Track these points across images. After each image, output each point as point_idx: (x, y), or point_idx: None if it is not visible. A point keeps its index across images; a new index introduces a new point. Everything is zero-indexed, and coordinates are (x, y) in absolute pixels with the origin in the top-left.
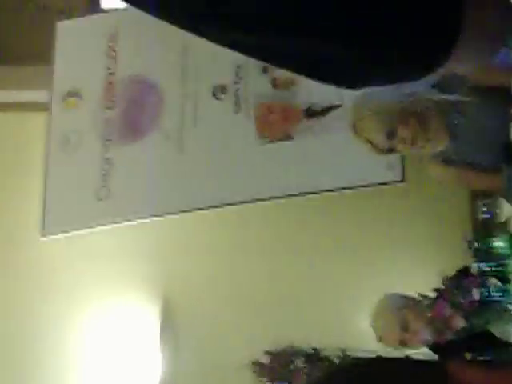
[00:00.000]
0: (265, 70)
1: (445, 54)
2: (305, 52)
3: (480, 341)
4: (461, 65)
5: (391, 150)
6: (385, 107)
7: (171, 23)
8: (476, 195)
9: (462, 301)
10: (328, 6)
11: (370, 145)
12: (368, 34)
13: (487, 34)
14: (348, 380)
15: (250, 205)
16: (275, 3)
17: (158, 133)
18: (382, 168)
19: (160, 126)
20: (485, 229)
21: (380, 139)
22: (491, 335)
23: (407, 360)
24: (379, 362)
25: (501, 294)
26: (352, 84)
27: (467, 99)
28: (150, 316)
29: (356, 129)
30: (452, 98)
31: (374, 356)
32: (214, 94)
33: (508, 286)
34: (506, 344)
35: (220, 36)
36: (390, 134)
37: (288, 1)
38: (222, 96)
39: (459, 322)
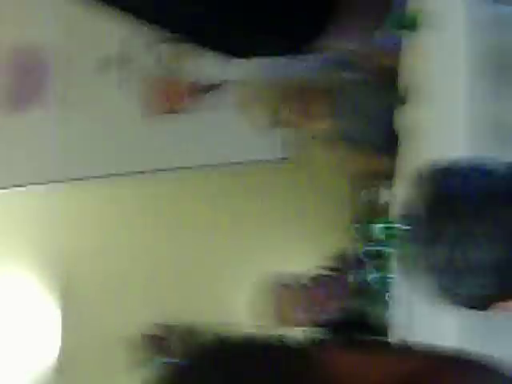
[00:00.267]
0: (150, 45)
1: (323, 28)
2: (195, 21)
3: (355, 324)
4: (341, 43)
5: (274, 123)
6: (269, 85)
7: None
8: (359, 177)
9: (338, 284)
10: None
11: (252, 117)
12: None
13: (363, 12)
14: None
15: (139, 177)
16: None
17: (41, 104)
18: (267, 145)
19: (43, 98)
20: (364, 212)
21: (262, 111)
22: (366, 318)
23: (270, 344)
24: (238, 345)
25: (377, 277)
26: (236, 53)
27: (354, 79)
28: (49, 292)
29: (240, 102)
30: (346, 75)
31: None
32: (103, 66)
33: (384, 270)
34: (380, 327)
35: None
36: (273, 108)
37: None
38: (112, 68)
39: (335, 304)
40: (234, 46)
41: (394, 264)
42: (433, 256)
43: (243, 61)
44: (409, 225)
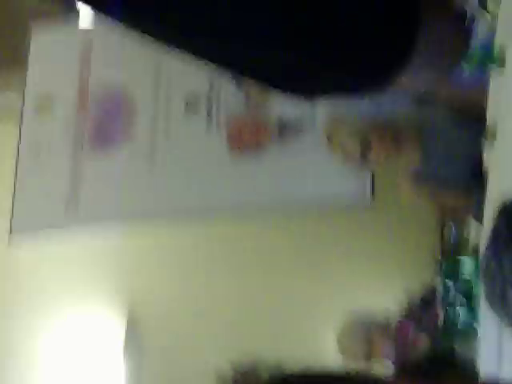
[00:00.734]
0: (239, 83)
1: (398, 67)
2: (258, 63)
3: (443, 361)
4: (419, 80)
5: (364, 160)
6: (360, 121)
7: (140, 31)
8: (445, 213)
9: (428, 320)
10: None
11: (343, 154)
12: (320, 45)
13: (442, 48)
14: None
15: (217, 219)
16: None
17: (130, 144)
18: (352, 185)
19: (132, 138)
20: (452, 248)
21: (354, 148)
22: (454, 355)
23: (348, 376)
24: (317, 376)
25: (466, 314)
26: (307, 94)
27: (441, 117)
28: (114, 327)
29: (330, 138)
30: (428, 113)
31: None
32: (186, 107)
33: (473, 306)
34: (468, 365)
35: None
36: (365, 145)
37: (224, 11)
38: (195, 109)
39: (424, 342)
40: (302, 87)
41: (481, 300)
42: (507, 290)
43: (331, 101)
44: (492, 256)
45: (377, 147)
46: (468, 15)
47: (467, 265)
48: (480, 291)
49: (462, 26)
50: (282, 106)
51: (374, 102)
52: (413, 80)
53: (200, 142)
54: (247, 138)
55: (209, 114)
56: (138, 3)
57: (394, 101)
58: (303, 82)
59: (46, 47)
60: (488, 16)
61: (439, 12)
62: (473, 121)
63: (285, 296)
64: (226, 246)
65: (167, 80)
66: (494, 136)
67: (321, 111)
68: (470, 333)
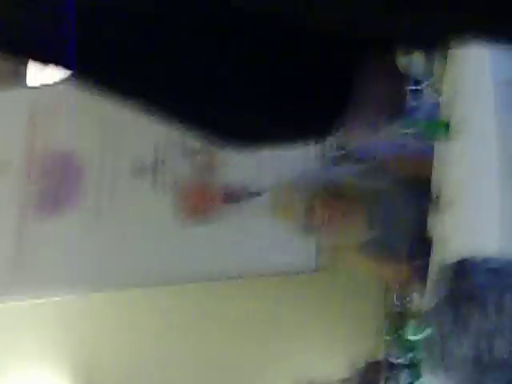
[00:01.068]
0: (185, 150)
1: (332, 121)
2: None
3: None
4: (353, 136)
5: (310, 228)
6: (305, 186)
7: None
8: (389, 280)
9: None
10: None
11: (287, 220)
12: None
13: (376, 105)
14: None
15: (168, 285)
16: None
17: (76, 209)
18: (297, 252)
19: (78, 203)
20: (397, 314)
21: (298, 213)
22: None
23: None
24: None
25: (410, 380)
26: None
27: (389, 188)
28: None
29: (275, 204)
30: (378, 184)
31: None
32: (139, 172)
33: (418, 376)
34: None
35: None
36: (309, 209)
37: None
38: (148, 174)
39: None
40: (244, 136)
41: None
42: (458, 350)
43: (277, 167)
44: (434, 320)
45: (321, 213)
46: (412, 78)
47: (411, 331)
48: (428, 362)
49: (398, 87)
50: (229, 170)
51: (321, 168)
52: (350, 134)
53: (146, 209)
54: (195, 206)
55: (156, 179)
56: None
57: (341, 168)
58: (250, 133)
59: None
60: (434, 81)
61: (375, 74)
62: (419, 191)
63: (234, 360)
64: (177, 312)
65: (114, 144)
66: (437, 206)
67: (268, 176)
68: None
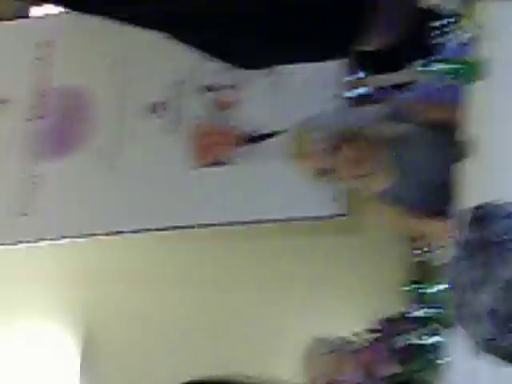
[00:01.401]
0: (207, 89)
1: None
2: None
3: None
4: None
5: (333, 172)
6: (325, 128)
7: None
8: (414, 237)
9: (397, 346)
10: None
11: (309, 164)
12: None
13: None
14: None
15: (177, 231)
16: None
17: (89, 148)
18: (318, 201)
19: (91, 142)
20: (422, 273)
21: (318, 157)
22: (423, 382)
23: None
24: None
25: (429, 341)
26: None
27: (412, 133)
28: (69, 344)
29: (293, 147)
30: (400, 129)
31: None
32: (150, 111)
33: (437, 333)
34: None
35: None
36: (335, 148)
37: None
38: (159, 114)
39: (392, 368)
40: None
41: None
42: (476, 301)
43: (295, 107)
44: (452, 270)
45: (341, 156)
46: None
47: (431, 284)
48: (449, 316)
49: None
50: (248, 115)
51: (341, 109)
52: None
53: (162, 149)
54: (208, 149)
55: (174, 119)
56: None
57: (362, 109)
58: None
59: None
60: (463, 19)
61: None
62: (444, 138)
63: (244, 314)
64: (187, 261)
65: (131, 82)
66: (463, 155)
67: (285, 117)
68: (432, 361)
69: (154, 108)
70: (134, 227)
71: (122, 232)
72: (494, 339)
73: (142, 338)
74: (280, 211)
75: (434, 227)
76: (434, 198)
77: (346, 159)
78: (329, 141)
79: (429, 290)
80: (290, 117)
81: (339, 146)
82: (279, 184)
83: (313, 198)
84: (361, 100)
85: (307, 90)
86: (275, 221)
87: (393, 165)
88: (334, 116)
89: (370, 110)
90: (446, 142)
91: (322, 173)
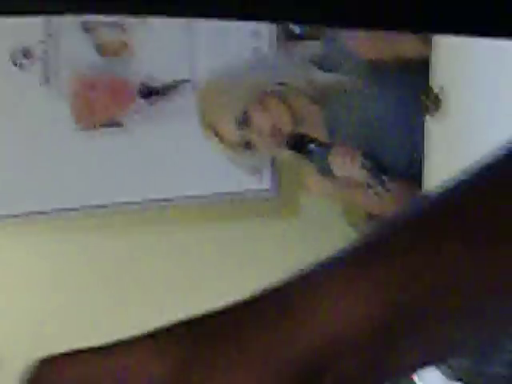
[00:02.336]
0: (86, 29)
1: None
2: None
3: None
4: None
5: (246, 145)
6: (238, 85)
7: None
8: (362, 215)
9: None
10: None
11: (219, 139)
12: None
13: None
14: None
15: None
16: None
17: None
18: (238, 171)
19: None
20: None
21: (229, 128)
22: None
23: None
24: None
25: None
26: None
27: (354, 80)
28: None
29: (202, 115)
30: (334, 77)
31: None
32: (12, 60)
33: None
34: None
35: None
36: (242, 120)
37: None
38: (24, 62)
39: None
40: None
41: None
42: None
43: (207, 57)
44: None
45: (258, 120)
46: None
47: None
48: None
49: None
50: (146, 61)
51: (262, 64)
52: None
53: (32, 109)
54: (100, 107)
55: (44, 69)
56: None
57: (291, 53)
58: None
59: None
60: None
61: None
62: (403, 80)
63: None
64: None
65: None
66: (435, 107)
67: (198, 65)
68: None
69: (18, 54)
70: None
71: None
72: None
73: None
74: (194, 187)
75: (391, 200)
76: (397, 158)
77: (260, 127)
78: (250, 97)
79: None
80: (198, 64)
81: (262, 104)
82: (189, 151)
83: (233, 170)
84: (292, 39)
85: (221, 32)
86: (188, 199)
87: (332, 124)
88: (259, 64)
89: (302, 52)
90: (407, 91)
91: (236, 146)
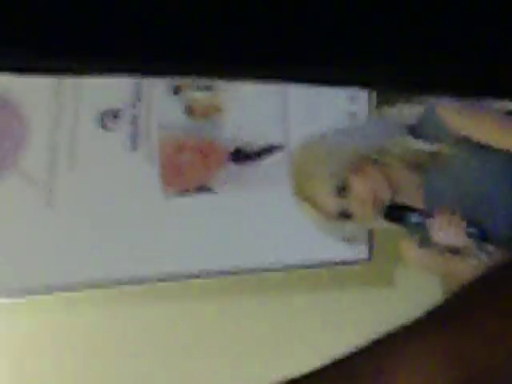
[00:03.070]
0: (176, 91)
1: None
2: None
3: None
4: None
5: (344, 215)
6: (335, 152)
7: None
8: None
9: None
10: None
11: (314, 208)
12: None
13: None
14: None
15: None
16: None
17: (18, 174)
18: (339, 242)
19: (20, 165)
20: None
21: (327, 198)
22: None
23: None
24: None
25: None
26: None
27: (452, 152)
28: None
29: (296, 183)
30: (433, 147)
31: None
32: (101, 123)
33: None
34: None
35: None
36: (341, 189)
37: None
38: (113, 126)
39: None
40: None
41: None
42: None
43: (301, 122)
44: None
45: (358, 187)
46: None
47: None
48: None
49: None
50: (238, 124)
51: (359, 130)
52: None
53: (119, 174)
54: (189, 170)
55: (133, 132)
56: None
57: (387, 124)
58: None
59: None
60: None
61: None
62: (501, 162)
63: None
64: (156, 324)
65: (73, 85)
66: None
67: (292, 131)
68: None
69: (107, 117)
70: (83, 280)
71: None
72: None
73: None
74: (286, 255)
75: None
76: (493, 234)
77: (360, 196)
78: (346, 165)
79: None
80: (290, 128)
81: (359, 173)
82: (281, 219)
83: (326, 238)
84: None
85: (316, 96)
86: (281, 269)
87: (427, 191)
88: (354, 133)
89: (398, 124)
90: (498, 164)
91: (333, 217)
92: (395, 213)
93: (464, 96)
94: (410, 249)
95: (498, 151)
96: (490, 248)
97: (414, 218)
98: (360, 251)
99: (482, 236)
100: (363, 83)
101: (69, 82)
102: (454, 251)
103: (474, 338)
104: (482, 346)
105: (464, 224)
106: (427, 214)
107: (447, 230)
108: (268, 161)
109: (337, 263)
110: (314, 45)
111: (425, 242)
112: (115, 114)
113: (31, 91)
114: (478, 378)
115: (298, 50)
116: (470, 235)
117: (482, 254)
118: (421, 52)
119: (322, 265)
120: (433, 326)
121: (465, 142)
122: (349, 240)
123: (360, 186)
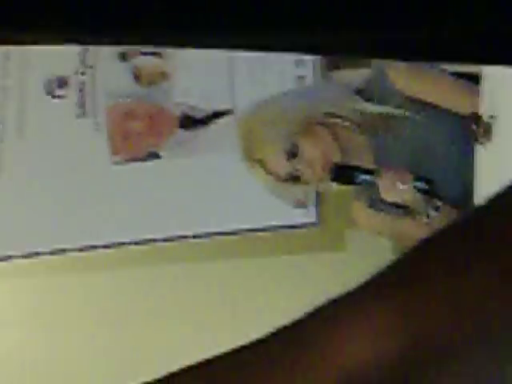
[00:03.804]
0: (123, 58)
1: None
2: None
3: None
4: None
5: (294, 178)
6: (284, 115)
7: None
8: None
9: None
10: None
11: (264, 172)
12: None
13: None
14: None
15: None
16: None
17: None
18: (287, 205)
19: None
20: None
21: (278, 161)
22: None
23: None
24: None
25: None
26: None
27: (402, 113)
28: None
29: (245, 147)
30: (381, 109)
31: None
32: (48, 90)
33: None
34: None
35: None
36: (291, 151)
37: None
38: (61, 93)
39: None
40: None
41: None
42: None
43: (249, 86)
44: None
45: (308, 151)
46: None
47: None
48: None
49: None
50: (187, 90)
51: (308, 93)
52: None
53: (67, 141)
54: (137, 137)
55: (81, 99)
56: None
57: (332, 90)
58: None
59: None
60: None
61: None
62: (449, 122)
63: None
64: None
65: (19, 52)
66: (485, 137)
67: (239, 95)
68: None
69: (54, 84)
70: (28, 250)
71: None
72: None
73: None
74: (236, 220)
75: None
76: (447, 189)
77: (310, 158)
78: (295, 128)
79: None
80: (239, 93)
81: (308, 135)
82: (231, 184)
83: (277, 203)
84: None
85: (263, 61)
86: (231, 233)
87: (377, 153)
88: (302, 94)
89: (347, 85)
90: (445, 123)
91: (284, 180)
92: (344, 173)
93: (410, 59)
94: (360, 210)
95: (445, 111)
96: (439, 203)
97: (363, 178)
98: (309, 215)
99: (430, 190)
100: (311, 49)
101: (15, 51)
102: (404, 210)
103: (426, 296)
104: (435, 303)
105: (411, 178)
106: (376, 173)
107: (395, 186)
108: (216, 126)
109: (286, 227)
110: (259, 11)
111: (375, 202)
112: (63, 82)
113: None
114: (433, 334)
115: (244, 17)
116: (418, 190)
117: (431, 210)
118: (367, 16)
119: (271, 229)
120: (384, 286)
121: (412, 102)
122: (298, 203)
123: (310, 148)
